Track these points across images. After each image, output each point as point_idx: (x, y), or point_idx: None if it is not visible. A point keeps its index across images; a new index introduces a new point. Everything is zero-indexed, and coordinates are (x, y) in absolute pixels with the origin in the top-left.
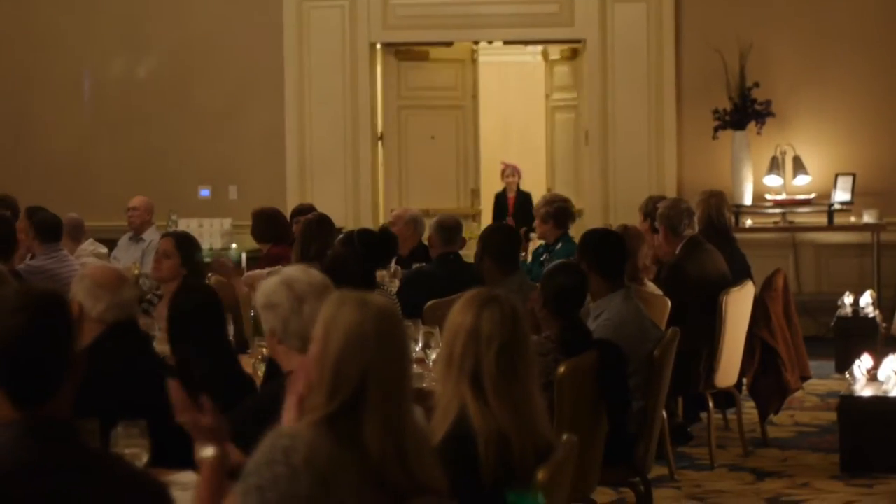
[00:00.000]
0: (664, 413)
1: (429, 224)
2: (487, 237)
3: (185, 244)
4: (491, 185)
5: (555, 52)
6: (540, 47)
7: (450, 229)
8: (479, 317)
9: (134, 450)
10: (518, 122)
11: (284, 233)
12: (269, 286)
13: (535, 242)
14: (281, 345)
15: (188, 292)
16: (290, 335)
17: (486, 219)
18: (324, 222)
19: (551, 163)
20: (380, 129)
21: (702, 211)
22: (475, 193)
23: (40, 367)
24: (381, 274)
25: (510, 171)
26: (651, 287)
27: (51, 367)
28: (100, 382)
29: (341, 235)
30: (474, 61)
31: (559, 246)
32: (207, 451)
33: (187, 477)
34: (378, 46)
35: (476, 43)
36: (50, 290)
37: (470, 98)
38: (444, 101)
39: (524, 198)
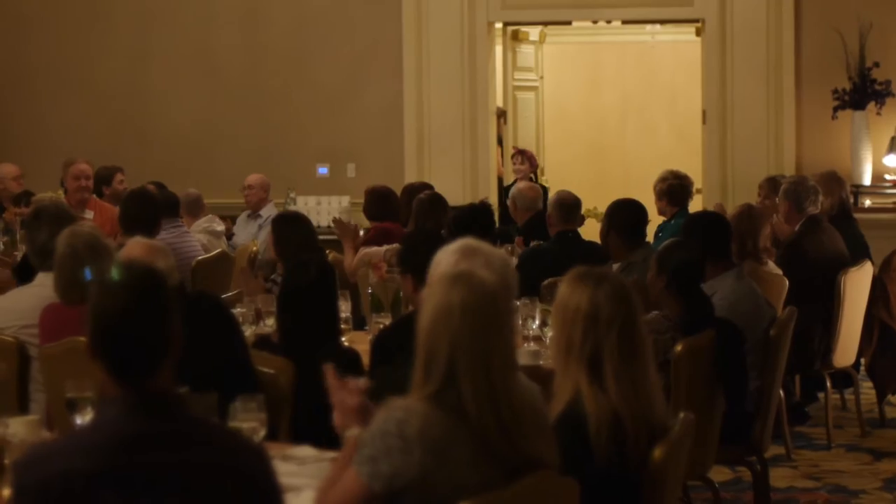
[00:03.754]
0: (781, 392)
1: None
2: (613, 212)
3: (278, 225)
4: (589, 164)
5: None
6: (658, 27)
7: (569, 207)
8: (594, 298)
9: (252, 423)
10: (637, 101)
11: (396, 212)
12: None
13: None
14: None
15: (300, 269)
16: None
17: None
18: (436, 201)
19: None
20: (497, 107)
21: (835, 197)
22: (542, 171)
23: (143, 344)
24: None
25: (520, 159)
26: (771, 266)
27: (153, 343)
28: None
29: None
30: (543, 43)
31: (674, 222)
32: (353, 430)
33: (304, 451)
34: (497, 25)
35: (594, 22)
36: (151, 267)
37: (539, 79)
38: (526, 83)
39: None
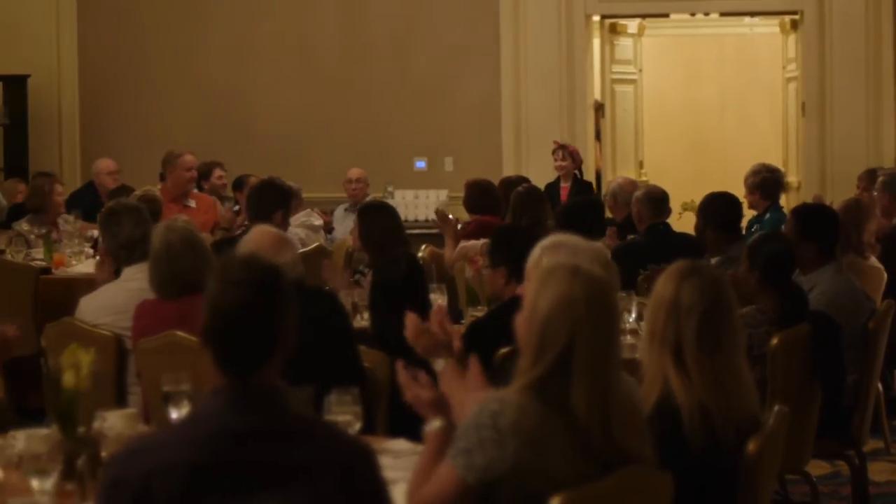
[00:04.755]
0: (879, 386)
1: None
2: (707, 207)
3: (362, 216)
4: (688, 157)
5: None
6: (757, 18)
7: (658, 200)
8: (679, 288)
9: (347, 417)
10: (736, 94)
11: (496, 205)
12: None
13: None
14: None
15: (390, 263)
16: None
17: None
18: (533, 194)
19: (785, 135)
20: (594, 100)
21: None
22: (640, 165)
23: (256, 338)
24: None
25: (561, 154)
26: (873, 261)
27: (266, 338)
28: None
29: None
30: (640, 36)
31: (767, 216)
32: (434, 424)
33: (400, 444)
34: (595, 19)
35: (692, 14)
36: (271, 263)
37: (638, 72)
38: (627, 76)
39: (583, 189)
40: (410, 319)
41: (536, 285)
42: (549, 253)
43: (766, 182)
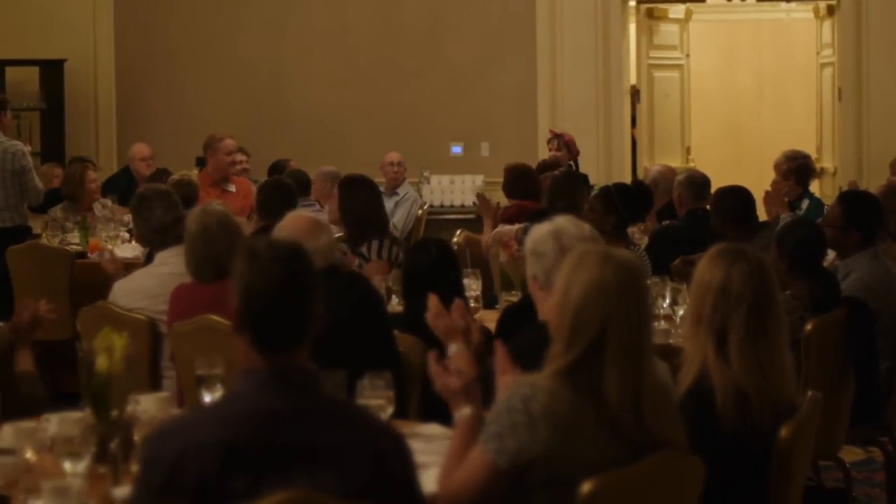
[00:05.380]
0: None
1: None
2: (720, 204)
3: (343, 188)
4: (725, 143)
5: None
6: (793, 3)
7: (699, 185)
8: (728, 273)
9: (379, 401)
10: (772, 80)
11: (536, 189)
12: (539, 234)
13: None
14: (541, 290)
15: (423, 248)
16: (552, 284)
17: None
18: (570, 178)
19: (819, 120)
20: (631, 85)
21: None
22: (688, 151)
23: (289, 319)
24: (630, 230)
25: (556, 144)
26: None
27: (299, 319)
28: None
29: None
30: (688, 21)
31: (806, 204)
32: (464, 411)
33: (432, 429)
34: (631, 4)
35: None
36: (298, 243)
37: (685, 57)
38: (668, 61)
39: None
40: (433, 301)
41: (568, 271)
42: (535, 232)
43: (802, 168)
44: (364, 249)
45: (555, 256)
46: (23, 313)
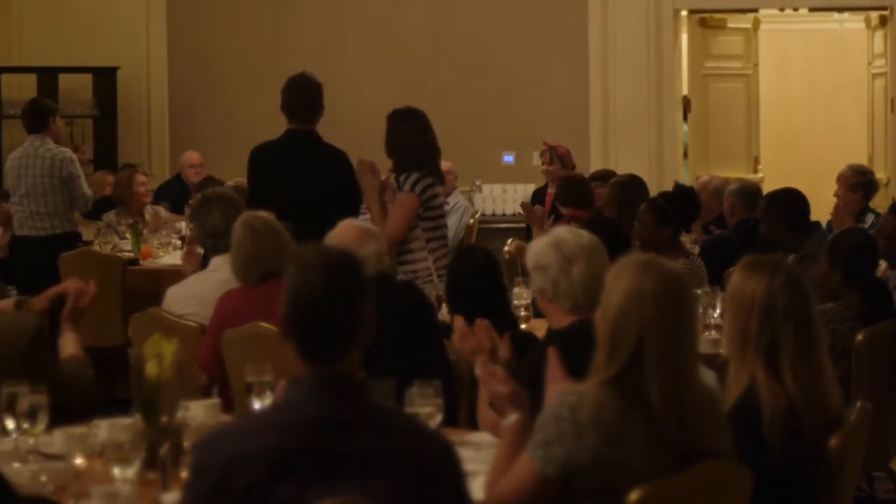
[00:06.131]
0: None
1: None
2: (776, 204)
3: (392, 119)
4: (778, 153)
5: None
6: (846, 14)
7: (751, 195)
8: (770, 288)
9: (428, 409)
10: (825, 90)
11: (588, 198)
12: (539, 248)
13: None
14: (551, 304)
15: (466, 256)
16: (560, 296)
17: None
18: (637, 183)
19: (870, 131)
20: (683, 95)
21: None
22: (756, 161)
23: (337, 326)
24: (683, 239)
25: (549, 157)
26: None
27: (346, 326)
28: None
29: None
30: (756, 30)
31: (871, 219)
32: (510, 418)
33: (481, 437)
34: (683, 13)
35: (782, 9)
36: (346, 250)
37: (752, 66)
38: (732, 70)
39: None
40: (458, 322)
41: (609, 282)
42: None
43: (869, 183)
44: (402, 177)
45: (559, 266)
46: (68, 286)
